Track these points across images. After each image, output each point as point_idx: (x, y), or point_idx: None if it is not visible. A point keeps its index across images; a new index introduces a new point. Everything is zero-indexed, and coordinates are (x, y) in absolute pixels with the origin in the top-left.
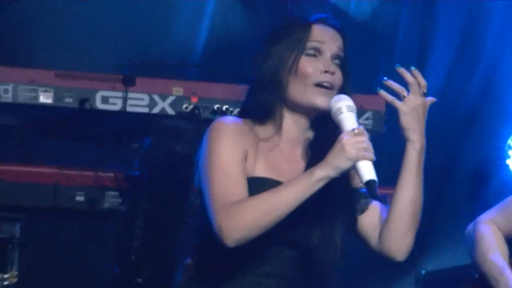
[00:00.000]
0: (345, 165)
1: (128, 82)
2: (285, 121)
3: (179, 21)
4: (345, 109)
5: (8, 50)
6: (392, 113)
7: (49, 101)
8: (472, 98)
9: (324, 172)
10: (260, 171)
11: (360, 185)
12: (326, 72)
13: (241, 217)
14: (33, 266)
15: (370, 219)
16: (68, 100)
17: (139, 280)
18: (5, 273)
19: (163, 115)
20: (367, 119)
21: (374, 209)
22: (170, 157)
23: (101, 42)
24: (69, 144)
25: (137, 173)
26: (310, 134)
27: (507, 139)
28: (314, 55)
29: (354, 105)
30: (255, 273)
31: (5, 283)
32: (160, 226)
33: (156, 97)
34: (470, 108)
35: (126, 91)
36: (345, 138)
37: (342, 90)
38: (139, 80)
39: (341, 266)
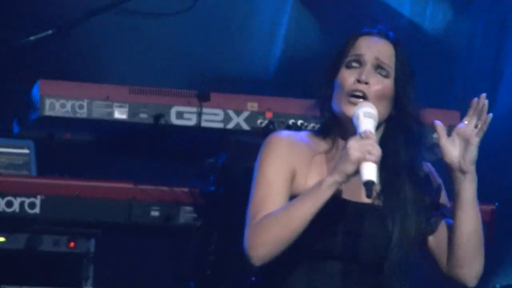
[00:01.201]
0: (349, 169)
1: (202, 98)
2: (338, 133)
3: (254, 36)
4: (361, 116)
5: (83, 66)
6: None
7: (123, 116)
8: None
9: (332, 178)
10: (311, 186)
11: (430, 202)
12: (358, 81)
13: (261, 235)
14: (107, 282)
15: (439, 240)
16: (143, 115)
17: None
18: None
19: (238, 130)
20: None
21: (444, 230)
22: (245, 172)
23: (175, 58)
24: (144, 159)
25: (213, 188)
26: None
27: None
28: (354, 66)
29: (374, 111)
30: None
31: None
32: (236, 241)
33: (231, 113)
34: None
35: (200, 107)
36: (350, 142)
37: (394, 99)
38: (213, 96)
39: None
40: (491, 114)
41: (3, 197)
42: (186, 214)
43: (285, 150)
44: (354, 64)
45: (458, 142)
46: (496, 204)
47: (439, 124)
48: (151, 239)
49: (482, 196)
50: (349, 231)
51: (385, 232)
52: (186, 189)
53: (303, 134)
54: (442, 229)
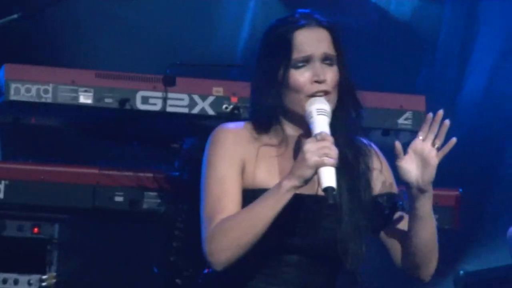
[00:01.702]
0: (307, 173)
1: (168, 82)
2: (286, 128)
3: (221, 22)
4: (315, 113)
5: (49, 50)
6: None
7: (89, 101)
8: None
9: (290, 182)
10: (261, 180)
11: (382, 192)
12: (316, 82)
13: (222, 240)
14: (72, 268)
15: (392, 233)
16: (108, 100)
17: (178, 281)
18: (44, 274)
19: (203, 115)
20: (406, 119)
21: (401, 224)
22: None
23: (143, 42)
24: (109, 144)
25: (177, 173)
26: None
27: None
28: (302, 66)
29: (327, 106)
30: (271, 283)
31: (44, 284)
32: (200, 227)
33: (196, 97)
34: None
35: (166, 91)
36: (306, 146)
37: (342, 87)
38: (179, 80)
39: (375, 266)
40: (455, 139)
41: None
42: (150, 200)
43: (232, 143)
44: (302, 64)
45: (415, 160)
46: (460, 190)
47: (397, 144)
48: (116, 225)
49: (447, 181)
50: (305, 224)
51: (340, 224)
52: (150, 174)
53: (243, 124)
54: (395, 221)
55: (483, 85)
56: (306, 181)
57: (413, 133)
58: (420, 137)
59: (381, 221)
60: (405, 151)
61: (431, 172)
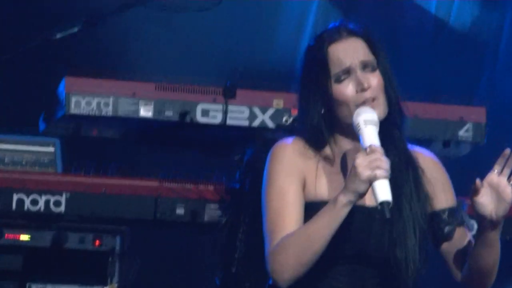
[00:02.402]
0: (361, 188)
1: (228, 95)
2: (341, 142)
3: (281, 32)
4: (362, 125)
5: (109, 62)
6: (492, 125)
7: (149, 114)
8: None
9: (345, 198)
10: (322, 194)
11: (443, 207)
12: (362, 90)
13: (284, 259)
14: (133, 279)
15: (453, 247)
16: (169, 113)
17: None
18: (106, 286)
19: (263, 128)
20: (467, 130)
21: (461, 239)
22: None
23: (203, 53)
24: (170, 156)
25: (238, 185)
26: None
27: None
28: (344, 79)
29: (375, 116)
30: None
31: None
32: (261, 238)
33: (256, 110)
34: None
35: (226, 104)
36: (357, 160)
37: (387, 90)
38: (239, 92)
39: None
40: None
41: (28, 195)
42: (211, 211)
43: (292, 158)
44: (343, 76)
45: (490, 194)
46: None
47: (478, 181)
48: (177, 236)
49: None
50: (360, 235)
51: (392, 236)
52: (211, 186)
53: (300, 139)
54: (456, 237)
55: None
56: (361, 195)
57: (473, 145)
58: (495, 171)
59: (442, 235)
60: (464, 162)
61: (506, 207)
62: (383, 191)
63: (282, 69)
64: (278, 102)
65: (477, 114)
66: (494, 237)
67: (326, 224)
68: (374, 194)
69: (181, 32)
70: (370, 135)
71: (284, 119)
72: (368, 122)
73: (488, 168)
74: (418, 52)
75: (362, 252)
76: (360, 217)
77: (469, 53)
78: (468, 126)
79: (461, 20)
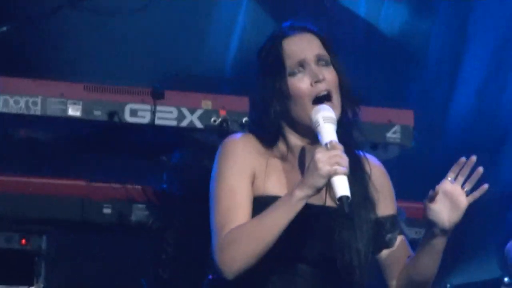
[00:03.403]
0: (319, 182)
1: (156, 95)
2: (291, 138)
3: (210, 34)
4: (321, 121)
5: (38, 63)
6: (421, 129)
7: (77, 114)
8: (504, 115)
9: (302, 192)
10: (272, 189)
11: (386, 214)
12: (316, 82)
13: (233, 250)
14: (59, 279)
15: (391, 256)
16: (97, 113)
17: None
18: (32, 286)
19: (191, 128)
20: (395, 133)
21: (400, 248)
22: (198, 170)
23: (132, 55)
24: (98, 157)
25: (165, 186)
26: (319, 143)
27: None
28: (298, 71)
29: (333, 114)
30: None
31: None
32: (189, 240)
33: (185, 110)
34: (502, 125)
35: (154, 104)
36: (317, 155)
37: (342, 90)
38: (167, 94)
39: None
40: (486, 185)
41: None
42: (139, 212)
43: (242, 154)
44: (298, 69)
45: (444, 201)
46: None
47: (434, 191)
48: (104, 237)
49: None
50: (315, 235)
51: (349, 235)
52: (138, 187)
53: (250, 136)
54: (396, 245)
55: (472, 100)
56: (318, 190)
57: (401, 147)
58: (449, 178)
59: (384, 243)
60: (393, 164)
61: (459, 215)
62: (342, 187)
63: (212, 71)
64: (206, 103)
65: (405, 117)
66: (441, 245)
67: (280, 217)
68: (333, 189)
69: (112, 33)
70: (329, 131)
71: (212, 119)
72: (326, 119)
73: (414, 171)
74: (347, 55)
75: (321, 253)
76: (320, 217)
77: (398, 57)
78: (396, 128)
79: (390, 24)
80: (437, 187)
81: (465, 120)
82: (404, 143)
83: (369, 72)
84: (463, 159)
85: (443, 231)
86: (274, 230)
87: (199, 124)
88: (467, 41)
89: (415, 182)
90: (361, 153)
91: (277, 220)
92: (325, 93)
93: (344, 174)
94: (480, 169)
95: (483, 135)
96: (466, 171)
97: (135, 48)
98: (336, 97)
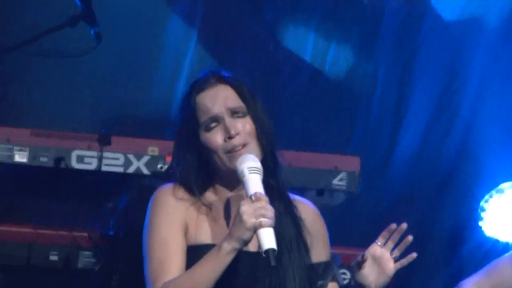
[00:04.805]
0: (245, 236)
1: (103, 142)
2: (219, 188)
3: (156, 80)
4: (246, 172)
5: None
6: (366, 175)
7: (24, 160)
8: (447, 159)
9: (229, 245)
10: (203, 238)
11: (318, 261)
12: (229, 138)
13: None
14: None
15: None
16: (43, 159)
17: None
18: None
19: (138, 174)
20: (341, 179)
21: None
22: (145, 216)
23: (79, 100)
24: (45, 203)
25: (112, 232)
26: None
27: (480, 201)
28: (214, 127)
29: (258, 164)
30: None
31: None
32: (135, 285)
33: (131, 157)
34: (446, 169)
35: (101, 151)
36: (242, 208)
37: (260, 134)
38: (114, 140)
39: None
40: (415, 254)
41: None
42: (85, 258)
43: (174, 205)
44: (212, 125)
45: (372, 265)
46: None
47: (366, 256)
48: (51, 283)
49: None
50: (244, 281)
51: (279, 282)
52: (85, 234)
53: (179, 185)
54: None
55: (418, 142)
56: (246, 243)
57: (347, 194)
58: (378, 243)
59: None
60: (337, 212)
61: (386, 280)
62: (267, 239)
63: (158, 116)
64: (153, 149)
65: (351, 163)
66: None
67: (210, 270)
68: (259, 241)
69: (59, 77)
70: (254, 182)
71: (159, 166)
72: (252, 170)
73: (360, 218)
74: (292, 100)
75: None
76: (244, 263)
77: (343, 102)
78: (342, 175)
79: (336, 68)
80: (366, 252)
81: (411, 163)
82: (350, 189)
83: (314, 117)
84: (393, 225)
85: None
86: (205, 284)
87: (145, 170)
88: (411, 85)
89: (358, 228)
90: (294, 196)
91: (207, 274)
92: (240, 148)
93: (270, 226)
94: (410, 238)
95: (428, 177)
96: (396, 237)
97: (81, 92)
98: (254, 147)
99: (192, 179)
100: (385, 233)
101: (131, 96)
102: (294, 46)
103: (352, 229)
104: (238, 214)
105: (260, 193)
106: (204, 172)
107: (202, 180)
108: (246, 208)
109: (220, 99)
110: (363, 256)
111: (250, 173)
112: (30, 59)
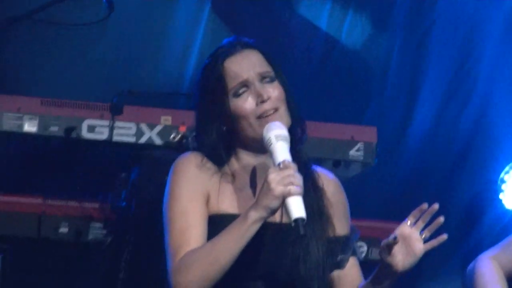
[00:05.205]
0: (273, 204)
1: (115, 111)
2: (243, 156)
3: (169, 49)
4: (274, 140)
5: None
6: (383, 145)
7: (34, 129)
8: (464, 132)
9: (257, 214)
10: (226, 207)
11: (339, 234)
12: (262, 102)
13: (189, 273)
14: None
15: (342, 277)
16: (54, 128)
17: None
18: None
19: (150, 145)
20: (358, 150)
21: (352, 270)
22: (158, 188)
23: (90, 70)
24: (55, 173)
25: (124, 204)
26: (271, 162)
27: (500, 172)
28: (243, 92)
29: (285, 132)
30: None
31: None
32: (147, 258)
33: (144, 126)
34: (462, 142)
35: (113, 120)
36: (270, 176)
37: (289, 101)
38: (126, 109)
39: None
40: (445, 235)
41: None
42: (96, 230)
43: (195, 175)
44: (241, 90)
45: (400, 245)
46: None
47: (393, 237)
48: (61, 255)
49: (395, 214)
50: (269, 253)
51: (304, 253)
52: (96, 205)
53: (201, 154)
54: (347, 266)
55: (434, 114)
56: (273, 212)
57: (364, 165)
58: (408, 222)
59: (335, 263)
60: (355, 182)
61: (413, 261)
62: (297, 208)
63: (170, 87)
64: (166, 119)
65: (368, 134)
66: (390, 282)
67: (235, 240)
68: (287, 210)
69: (70, 46)
70: (282, 150)
71: (172, 136)
72: (279, 138)
73: (376, 190)
74: (308, 69)
75: (276, 271)
76: (267, 234)
77: (360, 72)
78: (359, 145)
79: (353, 38)
80: (395, 231)
81: (426, 136)
82: (367, 160)
83: (330, 87)
84: (425, 205)
85: (394, 273)
86: (229, 254)
87: (158, 141)
88: (427, 57)
89: (374, 200)
90: (315, 167)
91: (232, 244)
92: (271, 112)
93: (299, 194)
94: (441, 219)
95: (444, 151)
96: (426, 217)
97: (93, 62)
98: (284, 112)
99: (218, 147)
100: (415, 212)
101: (143, 66)
102: (309, 14)
103: (368, 201)
104: (266, 182)
105: (289, 161)
106: (228, 141)
107: (227, 149)
108: (274, 176)
109: (248, 63)
110: (395, 238)
111: (277, 140)
112: (41, 27)
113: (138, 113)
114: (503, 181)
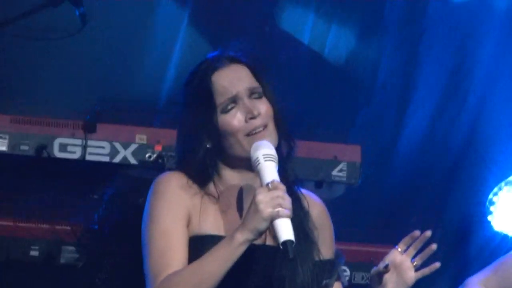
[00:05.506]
0: (261, 226)
1: (88, 129)
2: (228, 176)
3: (145, 64)
4: (262, 159)
5: None
6: (367, 165)
7: (3, 148)
8: (452, 151)
9: (244, 236)
10: (208, 228)
11: (324, 258)
12: (251, 118)
13: None
14: None
15: None
16: (24, 147)
17: None
18: None
19: (125, 164)
20: (340, 170)
21: None
22: (132, 209)
23: (62, 86)
24: (25, 194)
25: (97, 226)
26: (257, 182)
27: (488, 194)
28: (231, 108)
29: (273, 151)
30: None
31: None
32: (121, 281)
33: (118, 145)
34: (450, 162)
35: (86, 139)
36: (258, 197)
37: (277, 117)
38: (100, 127)
39: None
40: (438, 264)
41: None
42: (67, 254)
43: (176, 193)
44: (230, 106)
45: (391, 273)
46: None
47: (384, 265)
48: (31, 279)
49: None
50: (255, 276)
51: (289, 274)
52: (68, 227)
53: (182, 173)
54: None
55: (423, 132)
56: (261, 234)
57: (348, 185)
58: (399, 249)
59: (320, 287)
60: (337, 205)
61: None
62: (285, 230)
63: (146, 103)
64: (141, 137)
65: (352, 152)
66: None
67: (221, 262)
68: (275, 233)
69: (42, 61)
70: (270, 170)
71: (147, 155)
72: (267, 157)
73: (360, 211)
74: (289, 85)
75: None
76: (252, 256)
77: (344, 87)
78: (342, 165)
79: (337, 52)
80: (386, 258)
81: (418, 147)
82: (350, 181)
83: (312, 103)
84: (417, 232)
85: None
86: (214, 276)
87: (133, 160)
88: (417, 70)
89: (358, 221)
90: (300, 190)
91: (217, 266)
92: (261, 129)
93: (288, 216)
94: (434, 246)
95: (434, 168)
96: (418, 245)
97: (65, 77)
98: (273, 129)
99: (204, 165)
100: (407, 239)
101: (118, 81)
102: (291, 27)
103: (352, 223)
104: (254, 203)
105: (277, 181)
106: (213, 159)
107: (211, 167)
108: (262, 197)
109: (237, 79)
110: (386, 266)
111: (265, 160)
112: (11, 40)
113: (112, 131)
114: (491, 203)
